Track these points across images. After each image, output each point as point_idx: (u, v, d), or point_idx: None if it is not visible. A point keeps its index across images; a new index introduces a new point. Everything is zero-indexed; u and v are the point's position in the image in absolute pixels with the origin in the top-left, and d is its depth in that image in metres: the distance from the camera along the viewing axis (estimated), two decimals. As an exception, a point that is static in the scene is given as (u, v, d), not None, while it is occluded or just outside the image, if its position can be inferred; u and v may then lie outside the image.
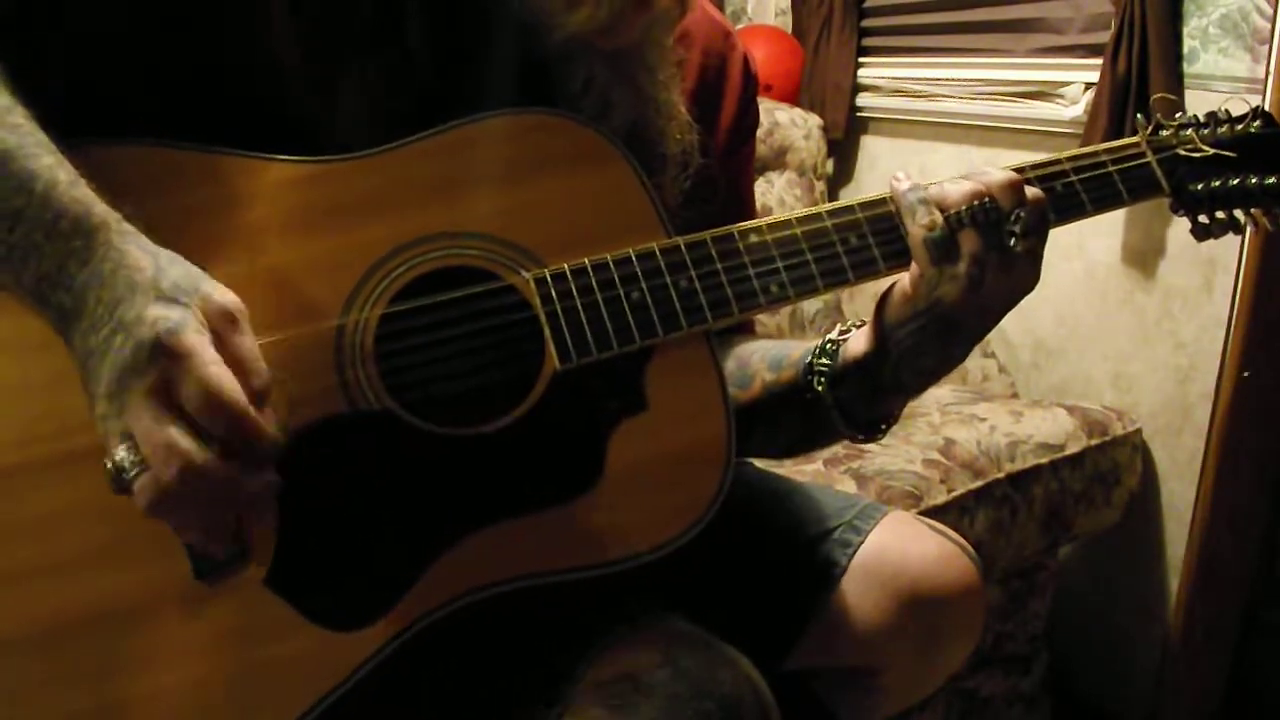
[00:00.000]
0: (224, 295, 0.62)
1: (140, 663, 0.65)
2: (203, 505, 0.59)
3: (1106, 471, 1.66)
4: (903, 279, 0.79)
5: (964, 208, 0.76)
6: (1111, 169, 0.83)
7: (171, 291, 0.60)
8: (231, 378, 0.58)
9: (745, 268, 0.77)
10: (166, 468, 0.57)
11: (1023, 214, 0.76)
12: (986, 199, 0.76)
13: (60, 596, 0.65)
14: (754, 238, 0.77)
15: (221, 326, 0.60)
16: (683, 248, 0.76)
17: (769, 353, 0.90)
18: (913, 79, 2.19)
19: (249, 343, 0.61)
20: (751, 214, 0.99)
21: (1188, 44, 1.57)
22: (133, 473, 0.58)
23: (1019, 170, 0.81)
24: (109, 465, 0.58)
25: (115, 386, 0.58)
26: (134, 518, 0.65)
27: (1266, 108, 0.87)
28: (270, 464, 0.60)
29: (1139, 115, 0.89)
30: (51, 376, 0.66)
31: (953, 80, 2.08)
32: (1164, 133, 0.86)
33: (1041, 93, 1.87)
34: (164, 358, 0.57)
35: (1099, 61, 1.66)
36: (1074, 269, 1.83)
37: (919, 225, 0.76)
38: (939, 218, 0.76)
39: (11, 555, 0.65)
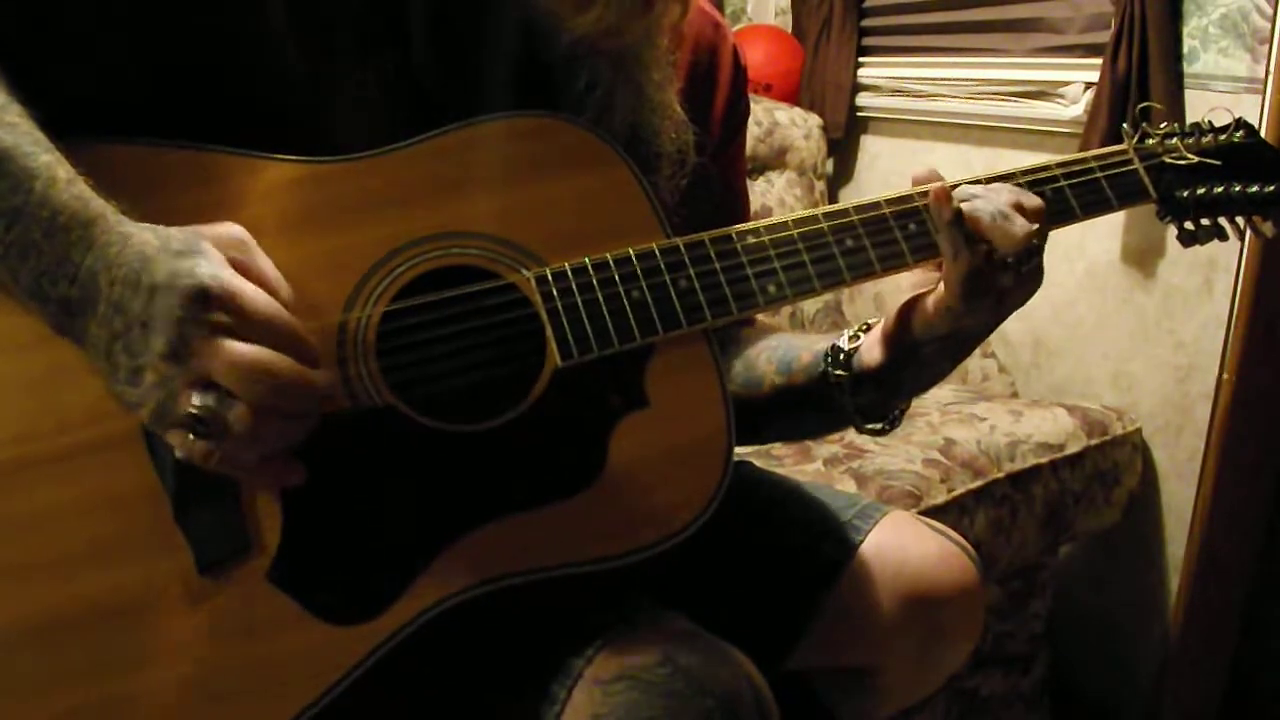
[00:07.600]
0: (227, 227, 0.65)
1: (142, 658, 0.65)
2: (287, 418, 0.62)
3: (1106, 471, 1.66)
4: (925, 302, 0.80)
5: (1010, 254, 0.75)
6: (1100, 175, 0.85)
7: (184, 247, 0.61)
8: (274, 300, 0.63)
9: (743, 268, 0.77)
10: (261, 385, 0.60)
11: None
12: (1034, 240, 0.76)
13: (61, 591, 0.65)
14: (751, 239, 0.78)
15: (238, 254, 0.64)
16: (682, 248, 0.76)
17: (775, 354, 0.91)
18: (913, 79, 2.19)
19: (266, 261, 0.66)
20: (745, 205, 1.00)
21: (1188, 44, 1.57)
22: (223, 408, 0.60)
23: (1010, 175, 0.82)
24: (192, 411, 0.59)
25: (176, 344, 0.59)
26: (135, 512, 0.66)
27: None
28: (318, 359, 0.65)
29: (1124, 125, 0.90)
30: (48, 373, 0.66)
31: (953, 80, 2.08)
32: (1150, 141, 0.88)
33: (1041, 92, 1.87)
34: (214, 300, 0.60)
35: (1099, 61, 1.67)
36: (1074, 269, 1.83)
37: (960, 263, 0.76)
38: (981, 260, 0.76)
39: (11, 550, 0.65)
